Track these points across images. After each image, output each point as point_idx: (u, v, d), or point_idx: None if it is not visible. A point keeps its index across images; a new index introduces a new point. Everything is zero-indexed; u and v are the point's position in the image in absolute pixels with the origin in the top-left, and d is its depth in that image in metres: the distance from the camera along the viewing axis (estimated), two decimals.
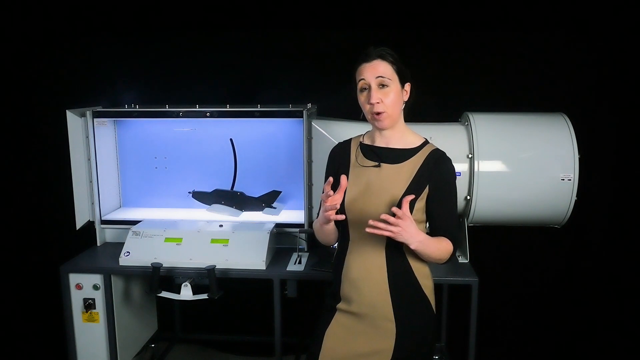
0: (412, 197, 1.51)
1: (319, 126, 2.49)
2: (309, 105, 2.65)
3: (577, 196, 2.29)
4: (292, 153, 2.70)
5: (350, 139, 1.79)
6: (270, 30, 3.05)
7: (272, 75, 3.08)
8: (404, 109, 1.69)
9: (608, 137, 2.91)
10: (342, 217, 1.56)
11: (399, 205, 1.52)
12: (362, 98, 1.63)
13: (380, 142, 1.69)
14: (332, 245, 2.05)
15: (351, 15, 2.96)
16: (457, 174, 2.29)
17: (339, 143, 1.81)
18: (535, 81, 2.92)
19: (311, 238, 2.46)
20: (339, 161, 1.75)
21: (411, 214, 1.59)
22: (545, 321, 3.16)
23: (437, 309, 1.71)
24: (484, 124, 2.38)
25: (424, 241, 1.54)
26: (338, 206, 1.53)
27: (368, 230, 1.47)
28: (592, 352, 3.02)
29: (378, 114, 1.60)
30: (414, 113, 1.73)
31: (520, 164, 2.32)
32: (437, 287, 1.75)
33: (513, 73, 2.92)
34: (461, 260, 2.43)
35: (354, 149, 1.74)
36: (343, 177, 1.54)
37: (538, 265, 3.09)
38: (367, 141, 1.74)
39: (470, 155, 2.33)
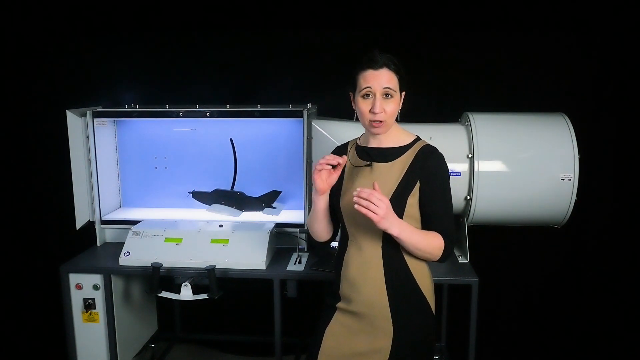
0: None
1: (319, 126, 2.49)
2: (309, 105, 2.65)
3: (577, 196, 2.29)
4: (292, 153, 2.70)
5: (348, 142, 1.82)
6: (270, 30, 3.05)
7: (272, 75, 3.08)
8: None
9: (608, 137, 2.91)
10: (330, 167, 1.59)
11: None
12: (364, 105, 1.62)
13: (373, 143, 1.71)
14: (332, 245, 2.05)
15: (351, 15, 2.96)
16: (457, 174, 2.32)
17: (337, 147, 1.84)
18: (535, 81, 2.93)
19: (311, 238, 2.46)
20: None
21: (404, 208, 1.61)
22: (545, 321, 3.16)
23: (436, 308, 1.71)
24: (484, 124, 2.38)
25: (407, 229, 1.54)
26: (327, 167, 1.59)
27: (356, 207, 1.47)
28: (592, 352, 3.02)
29: (377, 122, 1.61)
30: (414, 113, 1.74)
31: (520, 164, 2.32)
32: (437, 287, 1.75)
33: (513, 73, 2.93)
34: (461, 260, 2.42)
35: (350, 152, 1.77)
36: (344, 157, 1.60)
37: (538, 265, 3.10)
38: (362, 143, 1.76)
39: (470, 155, 2.33)
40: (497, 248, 2.95)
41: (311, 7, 2.92)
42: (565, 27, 2.88)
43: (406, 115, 1.72)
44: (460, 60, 2.96)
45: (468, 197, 2.36)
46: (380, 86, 1.59)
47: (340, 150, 1.81)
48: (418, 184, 1.62)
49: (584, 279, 3.04)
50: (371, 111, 1.60)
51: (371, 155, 1.69)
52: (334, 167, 1.61)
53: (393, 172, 1.64)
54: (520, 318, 3.16)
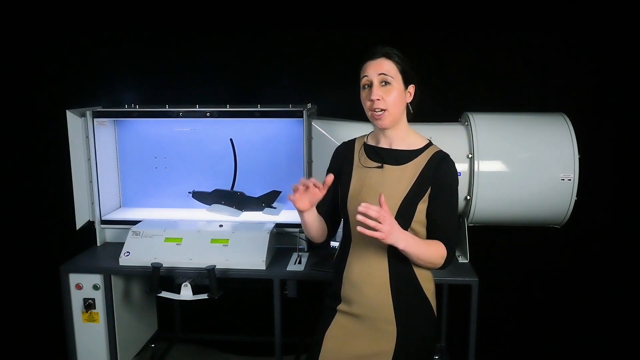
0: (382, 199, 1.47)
1: (319, 126, 2.49)
2: (309, 105, 2.65)
3: (577, 196, 2.29)
4: (292, 153, 2.70)
5: (355, 139, 1.78)
6: (270, 30, 3.05)
7: (272, 75, 3.08)
8: (408, 111, 1.67)
9: (608, 137, 2.91)
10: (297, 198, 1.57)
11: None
12: (363, 95, 1.62)
13: (383, 143, 1.68)
14: (332, 245, 2.04)
15: (351, 15, 2.96)
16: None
17: (344, 142, 1.80)
18: (535, 81, 2.93)
19: None
20: (342, 161, 1.74)
21: (413, 214, 1.59)
22: (545, 321, 3.16)
23: (437, 309, 1.70)
24: (484, 124, 2.38)
25: (412, 242, 1.52)
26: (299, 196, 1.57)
27: (359, 230, 1.44)
28: (591, 352, 3.02)
29: (378, 112, 1.58)
30: (414, 113, 1.73)
31: (520, 164, 2.32)
32: (437, 287, 1.74)
33: (513, 73, 2.93)
34: (461, 260, 2.42)
35: (357, 150, 1.73)
36: (330, 176, 1.56)
37: (538, 265, 3.09)
38: (370, 142, 1.73)
39: (470, 155, 2.33)
40: (497, 248, 2.95)
41: (311, 7, 2.92)
42: (565, 27, 2.88)
43: (406, 116, 1.71)
44: (460, 60, 2.96)
45: (468, 197, 2.36)
46: (376, 73, 1.58)
47: (345, 147, 1.77)
48: (429, 190, 1.60)
49: (584, 279, 3.04)
50: (369, 99, 1.59)
51: (382, 156, 1.66)
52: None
53: (405, 176, 1.61)
54: (520, 318, 3.16)
